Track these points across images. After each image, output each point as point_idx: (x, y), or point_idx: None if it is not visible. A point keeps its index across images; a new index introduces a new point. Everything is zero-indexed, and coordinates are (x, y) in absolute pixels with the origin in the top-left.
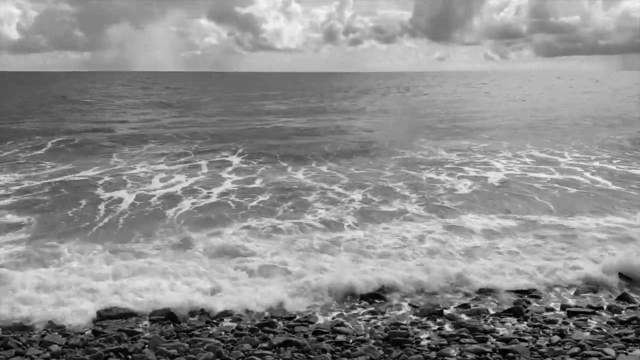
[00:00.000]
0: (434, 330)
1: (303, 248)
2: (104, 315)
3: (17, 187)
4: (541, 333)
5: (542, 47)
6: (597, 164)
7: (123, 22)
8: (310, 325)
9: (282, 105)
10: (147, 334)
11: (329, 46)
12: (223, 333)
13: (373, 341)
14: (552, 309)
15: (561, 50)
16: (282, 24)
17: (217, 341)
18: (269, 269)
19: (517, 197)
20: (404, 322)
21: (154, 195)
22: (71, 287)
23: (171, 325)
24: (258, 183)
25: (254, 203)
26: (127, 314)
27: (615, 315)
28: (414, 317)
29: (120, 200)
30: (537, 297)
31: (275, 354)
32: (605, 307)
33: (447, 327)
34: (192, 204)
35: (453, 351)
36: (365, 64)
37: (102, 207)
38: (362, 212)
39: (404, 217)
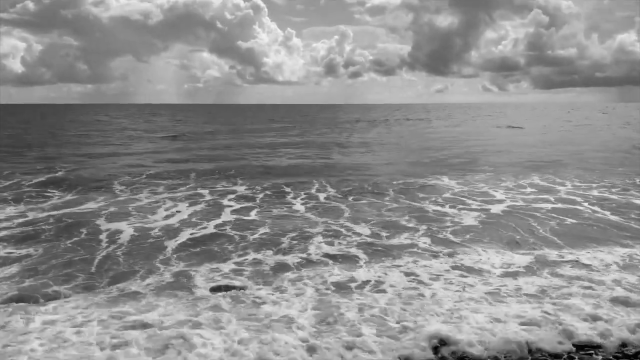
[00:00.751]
0: None
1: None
2: None
3: (19, 218)
4: None
5: (539, 79)
6: (614, 197)
7: (126, 55)
8: None
9: (284, 138)
10: None
11: (329, 79)
12: None
13: None
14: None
15: (558, 83)
16: (283, 58)
17: None
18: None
19: (527, 230)
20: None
21: (155, 228)
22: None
23: None
24: (260, 214)
25: (256, 235)
26: None
27: (622, 349)
28: None
29: (121, 232)
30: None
31: None
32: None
33: None
34: (191, 234)
35: None
36: (365, 95)
37: (102, 239)
38: (370, 247)
39: (415, 253)
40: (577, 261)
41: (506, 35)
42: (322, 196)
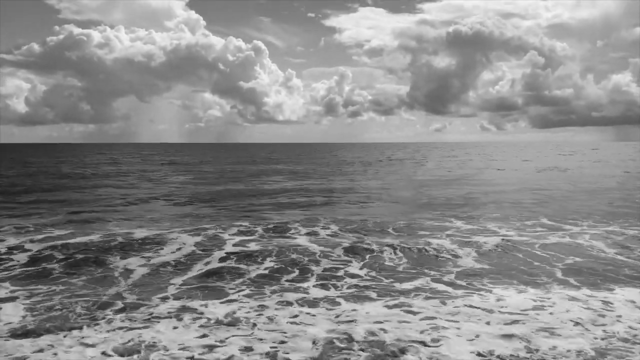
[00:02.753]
0: None
1: None
2: None
3: (22, 256)
4: None
5: (537, 119)
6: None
7: (129, 95)
8: None
9: (289, 182)
10: None
11: (329, 118)
12: None
13: None
14: None
15: (556, 122)
16: (283, 98)
17: None
18: None
19: (539, 268)
20: None
21: (161, 263)
22: None
23: None
24: (264, 248)
25: (261, 272)
26: None
27: None
28: None
29: (126, 268)
30: None
31: None
32: None
33: None
34: (199, 270)
35: None
36: (364, 134)
37: (105, 276)
38: (375, 288)
39: (429, 297)
40: (607, 301)
41: (503, 76)
42: (324, 230)
